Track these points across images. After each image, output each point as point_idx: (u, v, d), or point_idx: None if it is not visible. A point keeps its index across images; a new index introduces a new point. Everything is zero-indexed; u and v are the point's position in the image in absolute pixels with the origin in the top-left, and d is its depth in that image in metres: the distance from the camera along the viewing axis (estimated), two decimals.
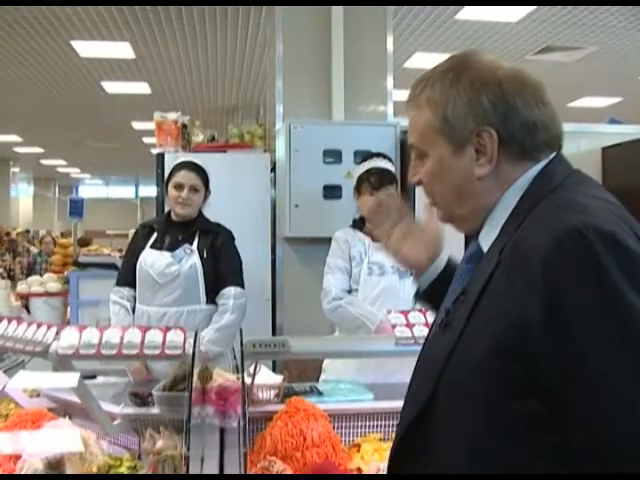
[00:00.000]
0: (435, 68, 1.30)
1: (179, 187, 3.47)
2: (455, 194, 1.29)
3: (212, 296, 3.44)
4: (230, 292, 3.41)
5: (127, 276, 3.50)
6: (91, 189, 29.28)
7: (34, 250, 13.00)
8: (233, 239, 3.55)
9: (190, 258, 3.42)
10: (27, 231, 17.61)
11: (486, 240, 1.26)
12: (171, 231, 3.51)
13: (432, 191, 1.33)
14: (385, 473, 1.98)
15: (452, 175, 1.27)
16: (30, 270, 10.99)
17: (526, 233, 1.12)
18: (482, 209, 1.26)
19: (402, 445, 1.29)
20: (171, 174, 3.54)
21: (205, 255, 3.44)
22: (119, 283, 3.53)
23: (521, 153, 1.22)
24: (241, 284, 3.46)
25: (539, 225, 1.10)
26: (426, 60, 8.89)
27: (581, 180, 1.23)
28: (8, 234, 15.58)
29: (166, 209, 3.83)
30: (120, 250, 8.43)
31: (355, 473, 2.13)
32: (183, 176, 3.48)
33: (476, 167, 1.23)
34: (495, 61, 1.27)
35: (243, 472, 1.84)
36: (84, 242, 9.80)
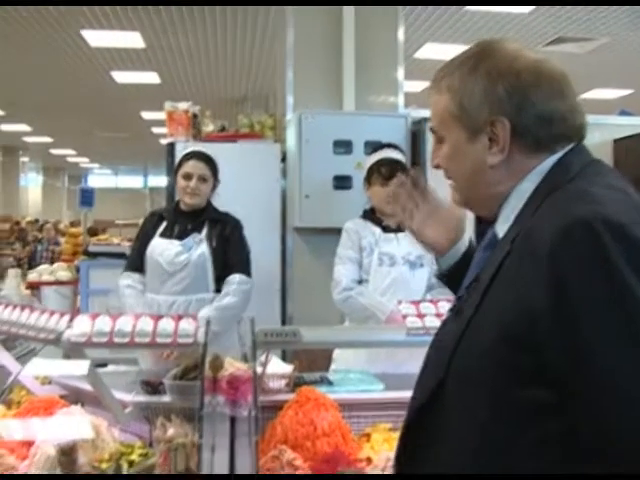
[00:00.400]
0: (458, 55, 1.31)
1: (188, 177, 3.48)
2: (468, 180, 1.30)
3: (221, 285, 3.45)
4: (235, 279, 3.42)
5: (136, 262, 3.52)
6: (100, 179, 29.33)
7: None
8: (241, 228, 3.56)
9: (199, 247, 3.43)
10: (36, 220, 17.67)
11: (501, 228, 1.26)
12: (180, 220, 3.52)
13: (449, 175, 1.34)
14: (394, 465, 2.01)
15: (466, 161, 1.28)
16: (31, 259, 10.98)
17: (537, 222, 1.12)
18: (496, 197, 1.27)
19: (411, 432, 1.29)
20: (180, 164, 3.56)
21: (214, 244, 3.45)
22: (128, 269, 3.55)
23: (535, 145, 1.22)
24: (247, 272, 3.47)
25: (550, 215, 1.10)
26: (437, 51, 8.86)
27: (599, 170, 1.22)
28: (18, 223, 15.64)
29: (176, 198, 3.84)
30: (130, 240, 8.46)
31: (364, 463, 2.13)
32: (192, 166, 3.50)
33: (488, 155, 1.24)
34: (517, 50, 1.26)
35: (254, 461, 1.85)
36: (94, 231, 9.83)
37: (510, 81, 1.21)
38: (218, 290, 3.44)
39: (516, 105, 1.21)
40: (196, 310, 3.28)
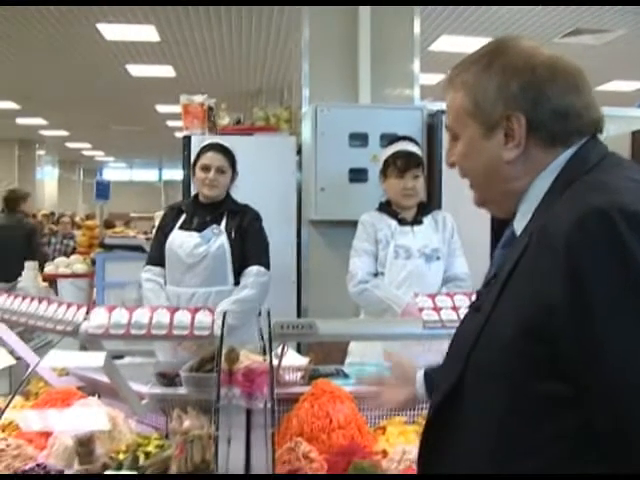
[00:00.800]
0: (474, 52, 1.31)
1: (206, 169, 3.49)
2: (485, 177, 1.30)
3: (240, 277, 3.46)
4: (252, 270, 3.43)
5: (157, 256, 3.55)
6: (115, 172, 29.40)
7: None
8: (260, 220, 3.57)
9: (218, 238, 3.44)
10: (52, 213, 17.72)
11: (519, 225, 1.26)
12: (199, 212, 3.53)
13: (465, 173, 1.34)
14: (409, 459, 2.01)
15: (482, 157, 1.28)
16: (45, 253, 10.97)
17: (554, 215, 1.12)
18: (513, 193, 1.27)
19: (432, 426, 1.30)
20: (198, 156, 3.57)
21: (233, 235, 3.46)
22: (149, 263, 3.58)
23: (550, 139, 1.22)
24: (265, 263, 3.48)
25: (566, 207, 1.10)
26: (452, 43, 8.82)
27: (616, 162, 1.22)
28: (34, 216, 15.71)
29: (192, 191, 3.84)
30: (145, 232, 8.49)
31: (380, 456, 2.14)
32: (210, 158, 3.50)
33: (504, 151, 1.24)
34: (533, 47, 1.26)
35: (270, 453, 1.86)
36: (110, 224, 9.86)
37: (525, 77, 1.21)
38: (237, 282, 3.45)
39: (531, 100, 1.21)
40: (216, 302, 3.29)
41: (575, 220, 1.05)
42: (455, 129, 1.32)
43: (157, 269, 3.52)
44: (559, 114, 1.21)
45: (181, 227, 3.52)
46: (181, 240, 3.46)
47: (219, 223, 3.50)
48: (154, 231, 4.04)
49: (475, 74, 1.26)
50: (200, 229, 3.48)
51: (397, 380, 1.87)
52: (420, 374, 1.80)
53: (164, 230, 3.57)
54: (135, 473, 1.98)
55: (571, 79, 1.23)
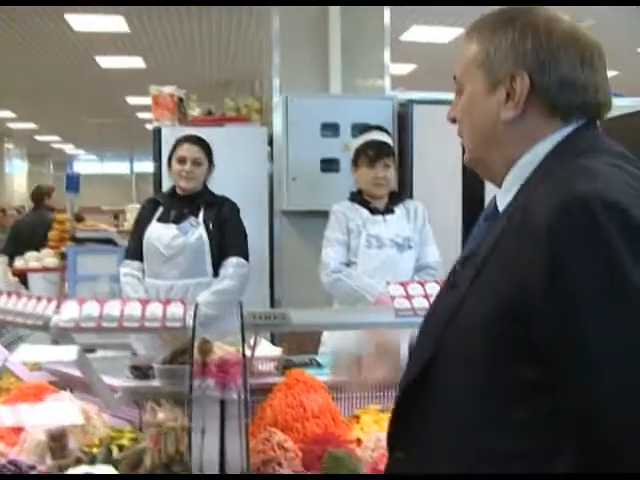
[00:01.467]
0: (496, 9, 1.29)
1: (182, 161, 3.48)
2: (480, 134, 1.28)
3: (219, 269, 3.46)
4: (232, 262, 3.44)
5: (135, 250, 3.54)
6: (85, 165, 29.10)
7: None
8: (238, 211, 3.58)
9: (196, 230, 3.44)
10: (23, 207, 17.52)
11: (502, 200, 1.25)
12: (176, 205, 3.53)
13: (463, 129, 1.32)
14: (383, 447, 2.02)
15: (480, 112, 1.26)
16: None
17: (536, 197, 1.11)
18: (505, 159, 1.25)
19: (402, 407, 1.29)
20: (174, 148, 3.56)
21: (211, 227, 3.46)
22: (128, 257, 3.56)
23: (551, 109, 1.20)
24: (244, 255, 3.48)
25: (550, 190, 1.09)
26: (422, 33, 8.80)
27: (605, 148, 1.21)
28: (4, 211, 15.52)
29: (164, 183, 3.82)
30: (116, 225, 8.42)
31: (355, 444, 2.14)
32: (186, 149, 3.50)
33: (502, 109, 1.22)
34: (556, 13, 1.25)
35: (244, 443, 1.86)
36: (80, 217, 9.76)
37: (540, 39, 1.20)
38: (216, 274, 3.45)
39: (541, 62, 1.19)
40: (195, 294, 3.30)
41: (557, 206, 1.04)
42: (461, 81, 1.30)
43: (135, 263, 3.51)
44: (565, 84, 1.19)
45: (159, 220, 3.51)
46: (159, 232, 3.45)
47: (197, 215, 3.49)
48: (131, 224, 4.02)
49: (493, 28, 1.24)
50: (178, 221, 3.48)
51: (379, 356, 1.82)
52: (405, 348, 1.76)
53: (142, 223, 3.56)
54: (109, 467, 1.97)
55: (587, 52, 1.21)
